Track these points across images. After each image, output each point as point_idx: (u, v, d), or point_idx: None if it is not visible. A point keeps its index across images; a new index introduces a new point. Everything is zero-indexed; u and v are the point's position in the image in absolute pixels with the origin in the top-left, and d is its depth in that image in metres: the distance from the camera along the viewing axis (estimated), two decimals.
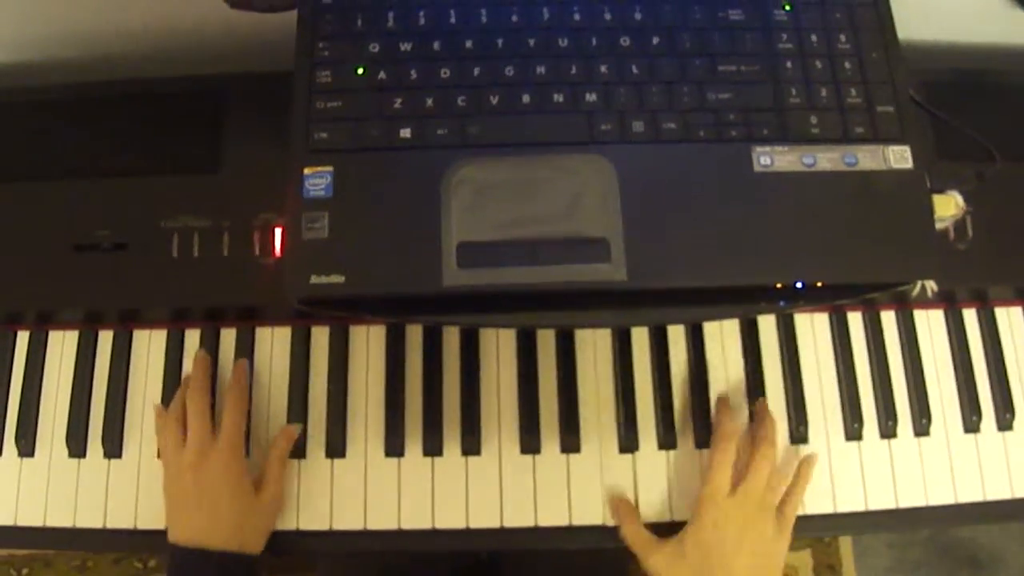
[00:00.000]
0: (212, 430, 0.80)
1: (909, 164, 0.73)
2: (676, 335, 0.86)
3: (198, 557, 0.77)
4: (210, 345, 0.87)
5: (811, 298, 0.73)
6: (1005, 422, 0.86)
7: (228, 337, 0.87)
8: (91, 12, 0.88)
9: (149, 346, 0.88)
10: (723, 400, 0.84)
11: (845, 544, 1.66)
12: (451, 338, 0.86)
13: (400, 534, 0.82)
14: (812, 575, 1.64)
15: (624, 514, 0.81)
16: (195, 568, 0.77)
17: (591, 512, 0.82)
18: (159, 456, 0.84)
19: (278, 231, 0.83)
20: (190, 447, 0.79)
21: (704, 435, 0.83)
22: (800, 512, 0.81)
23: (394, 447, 0.83)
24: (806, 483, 0.81)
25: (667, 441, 0.83)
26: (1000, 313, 0.89)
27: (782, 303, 0.74)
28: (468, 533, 0.82)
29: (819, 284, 0.71)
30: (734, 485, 0.78)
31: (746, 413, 0.85)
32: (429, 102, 0.74)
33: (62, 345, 0.88)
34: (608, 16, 0.76)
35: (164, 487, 0.81)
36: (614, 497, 0.82)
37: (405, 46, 0.75)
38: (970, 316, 0.89)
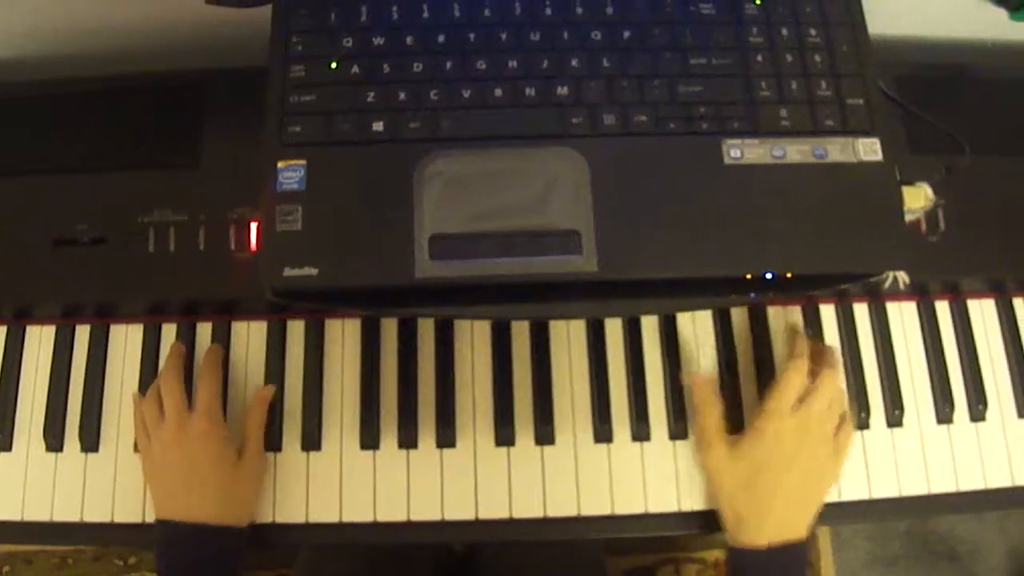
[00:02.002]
0: (188, 405, 0.81)
1: (879, 156, 0.74)
2: (650, 327, 0.87)
3: (189, 531, 0.77)
4: (186, 339, 0.87)
5: (781, 289, 0.74)
6: (977, 413, 0.86)
7: (204, 331, 0.87)
8: (67, 8, 0.88)
9: (126, 341, 0.88)
10: (796, 330, 0.86)
11: (823, 538, 1.67)
12: (426, 331, 0.86)
13: (376, 526, 0.82)
14: None
15: (705, 395, 0.82)
16: (186, 543, 0.78)
17: (566, 504, 0.82)
18: (136, 449, 0.84)
19: (254, 226, 0.83)
20: (168, 422, 0.80)
21: (678, 426, 0.84)
22: None
23: (369, 440, 0.84)
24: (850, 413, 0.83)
25: (641, 432, 0.84)
26: (972, 305, 0.90)
27: (752, 295, 0.74)
28: (443, 525, 0.82)
29: (789, 275, 0.72)
30: (797, 403, 0.79)
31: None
32: (402, 96, 0.74)
33: (39, 340, 0.88)
34: (579, 10, 0.77)
35: (146, 469, 0.81)
36: (695, 375, 0.84)
37: (378, 40, 0.76)
38: (942, 308, 0.89)
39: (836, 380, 0.81)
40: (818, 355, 0.83)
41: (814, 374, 0.81)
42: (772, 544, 0.76)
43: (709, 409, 0.81)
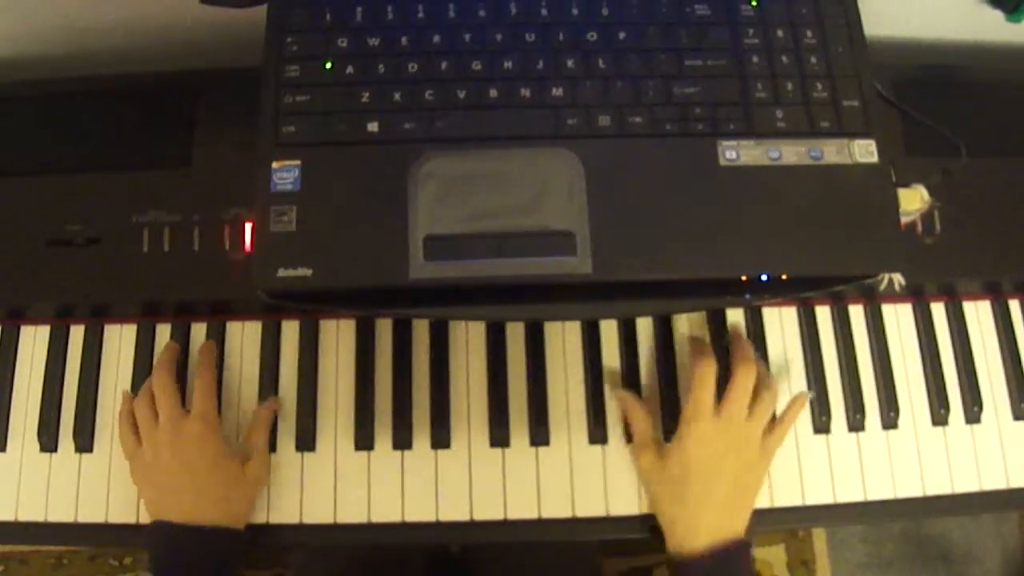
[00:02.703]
0: (182, 407, 0.81)
1: (874, 158, 0.74)
2: (644, 328, 0.87)
3: (184, 532, 0.77)
4: (181, 339, 0.87)
5: (776, 291, 0.74)
6: (973, 415, 0.86)
7: (199, 331, 0.87)
8: (61, 8, 0.87)
9: (120, 341, 0.88)
10: (696, 337, 0.86)
11: (819, 539, 1.67)
12: (420, 332, 0.86)
13: (370, 527, 0.82)
14: (786, 570, 1.65)
15: (631, 405, 0.82)
16: (181, 545, 0.77)
17: (561, 505, 0.82)
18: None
19: (248, 226, 0.83)
20: (163, 424, 0.79)
21: (673, 427, 0.83)
22: (768, 504, 0.82)
23: (364, 441, 0.83)
24: (794, 416, 0.82)
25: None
26: (968, 307, 0.90)
27: (748, 296, 0.74)
28: (438, 526, 0.82)
29: (784, 277, 0.72)
30: (717, 407, 0.79)
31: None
32: (396, 96, 0.74)
33: (33, 340, 0.88)
34: (575, 11, 0.77)
35: (136, 471, 0.81)
36: (618, 390, 0.84)
37: (373, 41, 0.75)
38: (938, 310, 0.89)
39: (749, 375, 0.80)
40: (732, 351, 0.84)
41: (731, 365, 0.81)
42: (710, 547, 0.76)
43: (636, 419, 0.82)
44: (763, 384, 0.81)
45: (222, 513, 0.78)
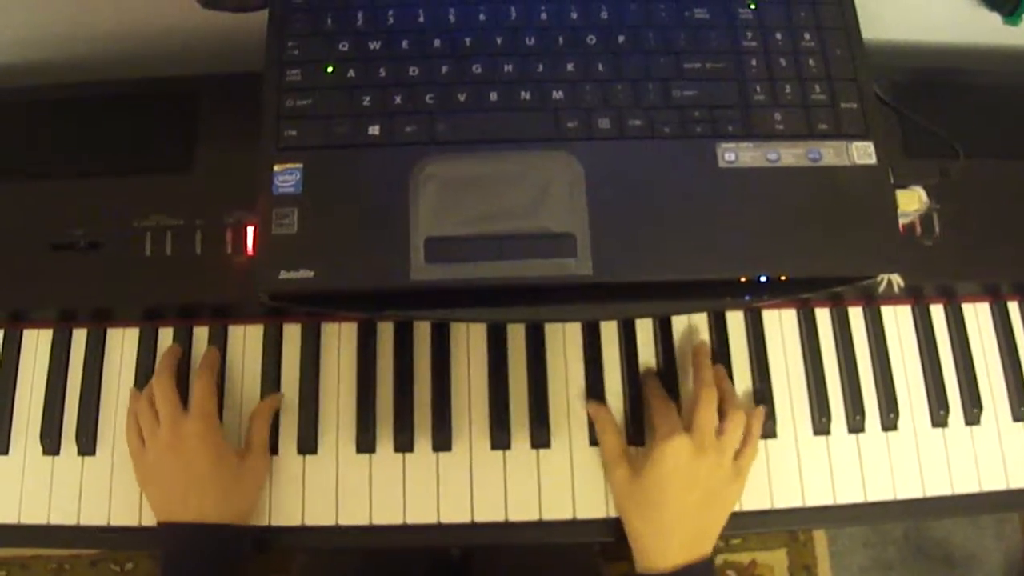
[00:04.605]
0: (182, 407, 0.81)
1: (873, 160, 0.74)
2: (645, 329, 0.87)
3: (193, 531, 0.77)
4: (183, 343, 0.87)
5: (776, 292, 0.74)
6: (972, 417, 0.87)
7: (201, 335, 0.88)
8: (63, 14, 0.88)
9: (122, 344, 0.88)
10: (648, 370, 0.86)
11: (821, 544, 1.66)
12: (422, 334, 0.87)
13: (372, 530, 0.82)
14: (788, 575, 1.65)
15: (602, 420, 0.82)
16: (191, 543, 0.78)
17: (562, 507, 0.82)
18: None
19: (250, 229, 0.83)
20: (163, 425, 0.80)
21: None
22: (768, 505, 0.82)
23: (366, 443, 0.84)
24: (757, 432, 0.82)
25: (637, 436, 0.84)
26: (967, 309, 0.90)
27: (747, 297, 0.74)
28: (439, 529, 0.82)
29: (783, 278, 0.72)
30: (687, 427, 0.79)
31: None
32: (397, 99, 0.74)
33: (36, 343, 0.88)
34: (575, 15, 0.77)
35: (140, 473, 0.81)
36: (589, 402, 0.84)
37: (374, 45, 0.76)
38: (937, 312, 0.90)
39: (712, 395, 0.80)
40: (695, 373, 0.84)
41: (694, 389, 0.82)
42: (678, 567, 0.75)
43: (607, 434, 0.82)
44: (730, 404, 0.81)
45: (225, 510, 0.79)
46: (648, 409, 0.83)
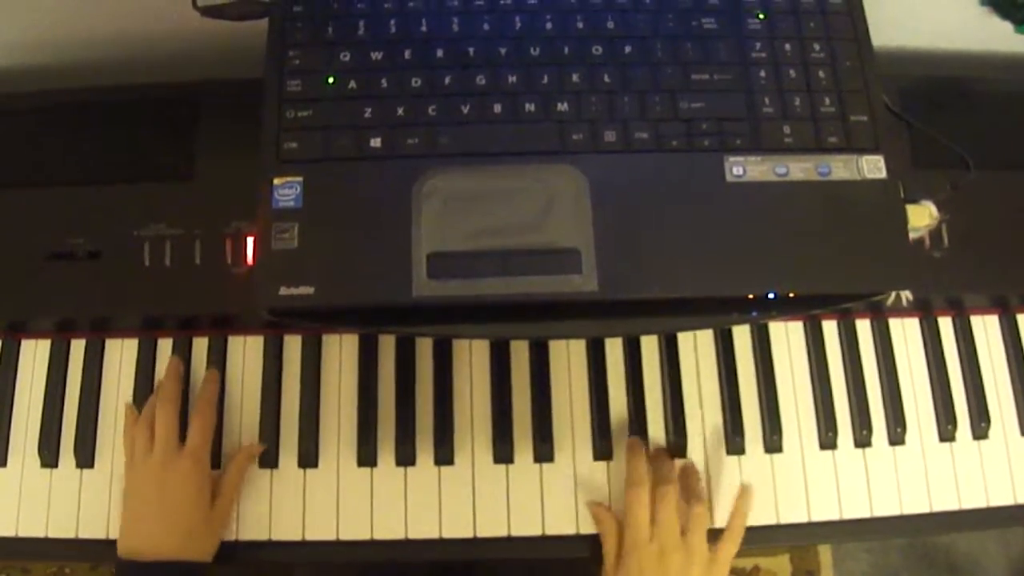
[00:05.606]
0: (179, 440, 0.80)
1: (883, 174, 0.73)
2: (650, 345, 0.86)
3: (152, 569, 0.76)
4: (182, 354, 0.86)
5: (784, 309, 0.73)
6: (980, 431, 0.86)
7: (200, 346, 0.87)
8: (62, 19, 0.87)
9: (121, 355, 0.87)
10: (633, 443, 0.83)
11: (824, 549, 1.66)
12: (424, 348, 0.86)
13: (373, 544, 0.81)
14: None
15: (602, 524, 0.81)
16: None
17: (564, 521, 0.82)
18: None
19: (250, 240, 0.82)
20: (156, 456, 0.79)
21: (677, 444, 0.83)
22: (774, 521, 0.81)
23: (367, 457, 0.83)
24: (741, 523, 0.80)
25: None
26: (976, 321, 0.89)
27: (754, 313, 0.73)
28: (441, 543, 0.81)
29: (791, 295, 0.71)
30: (651, 527, 0.77)
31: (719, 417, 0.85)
32: (400, 111, 0.73)
33: (34, 354, 0.88)
34: (580, 25, 0.76)
35: (124, 492, 0.81)
36: (592, 503, 0.82)
37: (376, 55, 0.75)
38: (946, 325, 0.89)
39: (670, 495, 0.77)
40: (653, 463, 0.82)
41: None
42: None
43: (606, 535, 0.80)
44: (693, 496, 0.80)
45: (189, 547, 0.78)
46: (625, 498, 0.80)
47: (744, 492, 0.81)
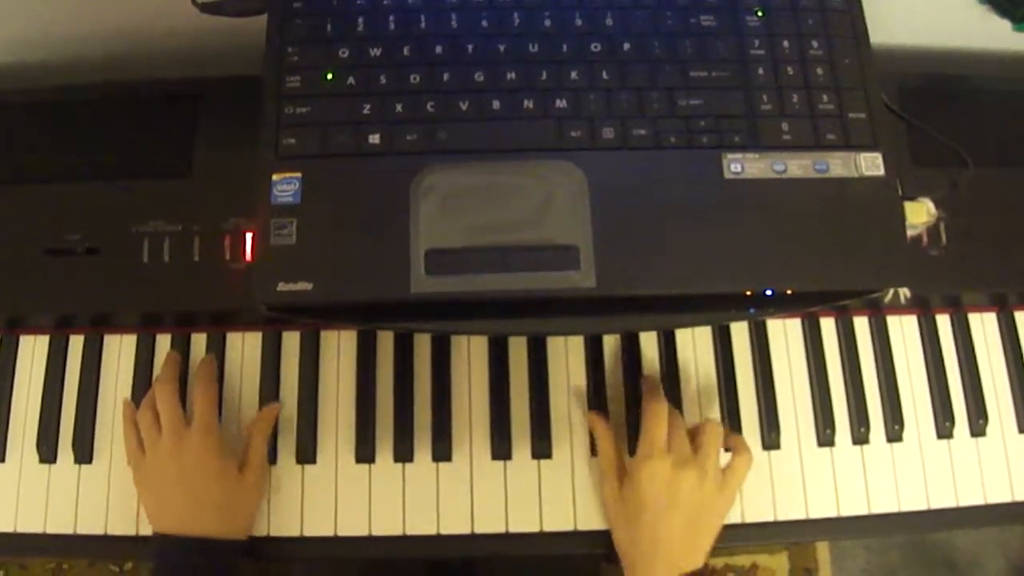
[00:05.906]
0: (184, 418, 0.80)
1: (881, 171, 0.73)
2: (648, 342, 0.86)
3: (187, 545, 0.76)
4: (181, 350, 0.86)
5: (781, 306, 0.73)
6: (978, 428, 0.86)
7: (199, 342, 0.87)
8: (61, 16, 0.87)
9: (120, 351, 0.87)
10: (649, 378, 0.85)
11: (822, 547, 1.66)
12: (422, 344, 0.86)
13: (371, 540, 0.81)
14: None
15: (600, 431, 0.81)
16: (184, 556, 0.77)
17: (562, 518, 0.82)
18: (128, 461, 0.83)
19: (248, 236, 0.82)
20: (165, 436, 0.79)
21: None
22: (772, 518, 0.82)
23: (365, 453, 0.83)
24: (742, 448, 0.80)
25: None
26: (974, 319, 0.89)
27: (752, 310, 0.73)
28: (439, 539, 0.81)
29: (789, 292, 0.71)
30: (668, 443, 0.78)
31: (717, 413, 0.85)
32: (398, 108, 0.73)
33: (32, 350, 0.88)
34: (579, 22, 0.76)
35: (138, 482, 0.81)
36: (590, 412, 0.83)
37: (374, 51, 0.74)
38: (943, 322, 0.89)
39: (661, 415, 0.79)
40: (643, 395, 0.83)
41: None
42: None
43: (603, 447, 0.81)
44: (704, 420, 0.82)
45: (222, 523, 0.78)
46: (642, 416, 0.81)
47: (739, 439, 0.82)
